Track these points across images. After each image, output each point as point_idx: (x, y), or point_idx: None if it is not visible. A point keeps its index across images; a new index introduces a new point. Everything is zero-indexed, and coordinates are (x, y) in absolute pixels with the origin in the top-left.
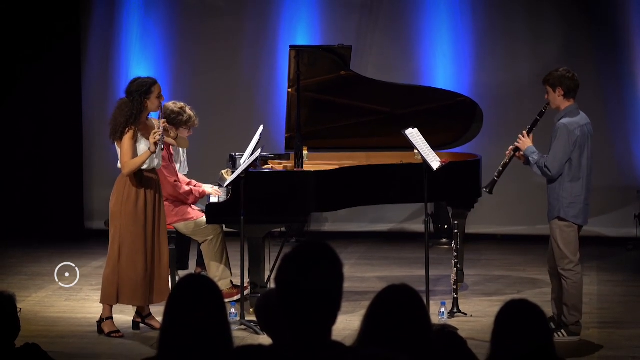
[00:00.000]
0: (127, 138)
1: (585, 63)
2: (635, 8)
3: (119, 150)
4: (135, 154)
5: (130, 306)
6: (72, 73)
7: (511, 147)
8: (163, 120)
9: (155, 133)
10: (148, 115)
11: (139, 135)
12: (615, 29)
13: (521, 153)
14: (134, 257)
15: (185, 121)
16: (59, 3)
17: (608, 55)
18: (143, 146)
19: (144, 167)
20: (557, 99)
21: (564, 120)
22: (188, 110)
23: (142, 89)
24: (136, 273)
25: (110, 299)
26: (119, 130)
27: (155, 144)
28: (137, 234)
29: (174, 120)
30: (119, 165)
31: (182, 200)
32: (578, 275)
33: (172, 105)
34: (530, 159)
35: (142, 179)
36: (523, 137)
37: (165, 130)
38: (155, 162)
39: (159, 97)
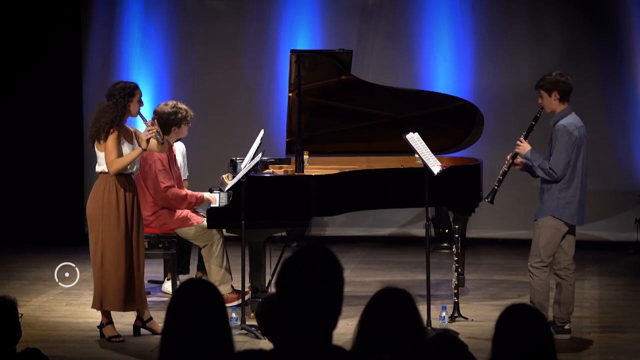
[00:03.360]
0: (112, 139)
1: (586, 65)
2: (636, 9)
3: (98, 153)
4: (120, 154)
5: (131, 311)
6: (73, 74)
7: (510, 154)
8: (152, 120)
9: (149, 130)
10: (126, 120)
11: (122, 137)
12: (617, 31)
13: (519, 160)
14: (117, 261)
15: (184, 117)
16: (59, 4)
17: (609, 57)
18: (126, 149)
19: (125, 170)
20: (553, 103)
21: (562, 122)
22: (180, 105)
23: (124, 92)
24: (118, 278)
25: (97, 304)
26: (104, 131)
27: (148, 141)
28: (120, 238)
29: (174, 120)
30: (97, 169)
31: (176, 206)
32: (545, 274)
33: (164, 107)
34: (532, 161)
35: (120, 182)
36: (521, 142)
37: (157, 130)
38: (135, 167)
39: (139, 102)
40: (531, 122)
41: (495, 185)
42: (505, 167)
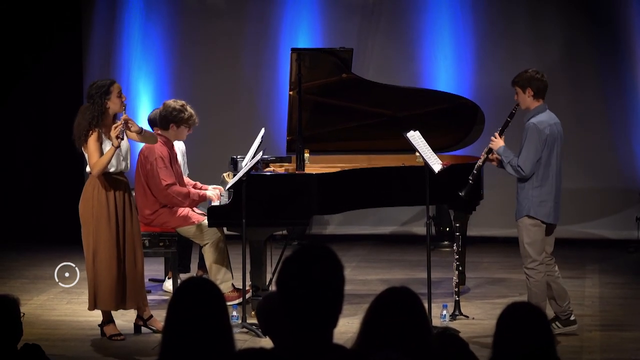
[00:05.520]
0: (92, 140)
1: (587, 64)
2: (636, 9)
3: (87, 156)
4: (102, 153)
5: (132, 309)
6: (73, 74)
7: (485, 149)
8: (125, 114)
9: (115, 127)
10: (118, 116)
11: (103, 137)
12: (617, 30)
13: (494, 155)
14: (109, 261)
15: (187, 119)
16: (59, 4)
17: (609, 56)
18: (108, 147)
19: (112, 170)
20: (527, 100)
21: (533, 120)
22: (188, 107)
23: (101, 91)
24: (111, 277)
25: (91, 305)
26: (83, 134)
27: (117, 137)
28: (111, 237)
29: (175, 117)
30: (87, 169)
31: (178, 204)
32: (541, 274)
33: (172, 102)
34: (503, 158)
35: (110, 182)
36: (495, 138)
37: (126, 123)
38: (123, 164)
39: (120, 96)
40: (507, 118)
41: (470, 180)
42: (480, 162)
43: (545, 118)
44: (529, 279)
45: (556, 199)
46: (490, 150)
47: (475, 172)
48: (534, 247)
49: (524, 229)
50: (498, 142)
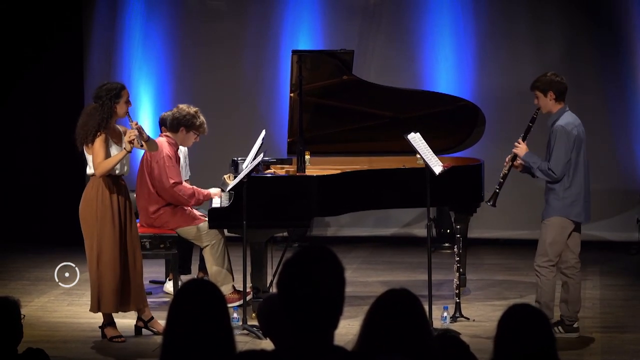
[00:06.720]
0: (100, 141)
1: (588, 66)
2: (637, 10)
3: (88, 157)
4: (108, 156)
5: (133, 311)
6: (74, 75)
7: (509, 156)
8: (135, 121)
9: (131, 132)
10: (122, 122)
11: (110, 140)
12: (618, 32)
13: (519, 161)
14: (112, 263)
15: (198, 125)
16: (60, 4)
17: (610, 57)
18: (114, 150)
19: (116, 172)
20: (549, 103)
21: (560, 122)
22: (201, 115)
23: (111, 94)
24: (114, 279)
25: (95, 307)
26: (91, 134)
27: (131, 142)
28: (115, 239)
29: (188, 121)
30: (87, 171)
31: (183, 203)
32: (552, 273)
33: (186, 108)
34: (531, 163)
35: (112, 184)
36: (519, 144)
37: (139, 131)
38: (124, 168)
39: (127, 102)
40: (528, 123)
41: (497, 189)
42: (505, 170)
43: (571, 119)
44: (540, 276)
45: (586, 198)
46: (515, 157)
47: (501, 180)
48: (554, 248)
49: (551, 227)
50: (522, 148)
